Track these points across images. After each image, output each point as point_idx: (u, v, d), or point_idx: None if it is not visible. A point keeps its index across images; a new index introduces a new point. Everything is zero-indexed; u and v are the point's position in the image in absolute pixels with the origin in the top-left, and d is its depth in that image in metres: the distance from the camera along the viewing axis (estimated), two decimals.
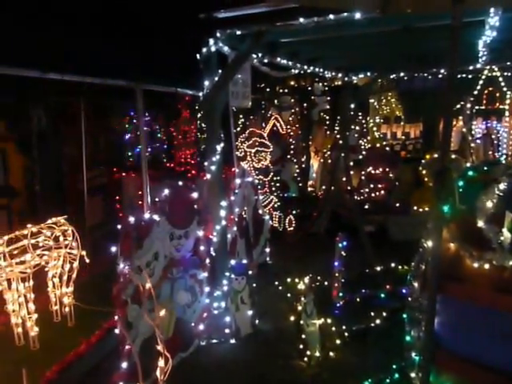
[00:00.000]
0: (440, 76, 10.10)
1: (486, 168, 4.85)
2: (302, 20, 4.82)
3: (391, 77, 10.89)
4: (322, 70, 8.76)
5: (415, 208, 9.64)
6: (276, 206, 9.95)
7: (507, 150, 11.33)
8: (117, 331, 4.24)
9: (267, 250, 8.09)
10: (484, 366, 3.38)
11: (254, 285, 5.81)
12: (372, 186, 10.84)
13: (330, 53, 7.47)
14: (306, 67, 7.95)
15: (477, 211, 4.26)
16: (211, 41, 5.54)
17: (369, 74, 9.76)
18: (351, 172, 9.46)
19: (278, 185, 10.50)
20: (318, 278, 6.96)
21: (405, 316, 4.51)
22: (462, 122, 11.61)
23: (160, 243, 4.73)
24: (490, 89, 11.35)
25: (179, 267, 5.07)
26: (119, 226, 4.43)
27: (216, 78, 5.65)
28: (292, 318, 5.53)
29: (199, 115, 13.41)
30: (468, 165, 9.42)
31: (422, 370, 3.67)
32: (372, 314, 5.78)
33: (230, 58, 5.87)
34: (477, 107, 11.58)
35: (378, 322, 5.65)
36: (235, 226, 6.82)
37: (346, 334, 5.43)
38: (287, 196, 11.30)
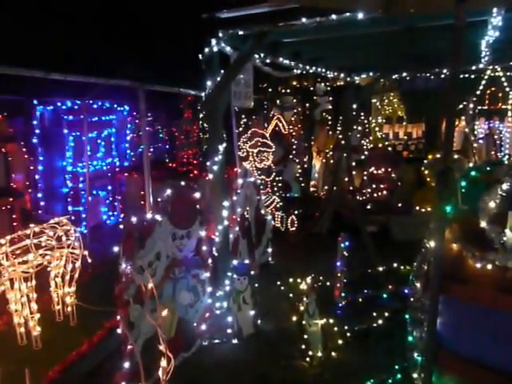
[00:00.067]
0: (442, 76, 10.08)
1: (488, 168, 4.85)
2: (304, 20, 4.82)
3: (393, 77, 10.88)
4: (324, 70, 8.75)
5: (417, 208, 9.62)
6: (278, 206, 9.95)
7: (510, 150, 11.33)
8: (119, 331, 4.24)
9: (269, 250, 8.09)
10: (486, 366, 3.38)
11: (256, 285, 5.81)
12: (374, 186, 10.82)
13: (332, 53, 7.46)
14: (308, 67, 7.94)
15: (479, 211, 4.26)
16: (213, 41, 5.55)
17: (371, 74, 9.76)
18: (353, 172, 9.45)
19: (280, 185, 10.50)
20: (320, 278, 6.96)
21: (407, 316, 4.50)
22: (464, 122, 11.61)
23: (162, 243, 4.74)
24: (493, 89, 11.34)
25: (181, 267, 5.08)
26: (121, 226, 4.44)
27: (218, 78, 5.65)
28: (294, 318, 5.54)
29: (201, 115, 13.44)
30: (470, 165, 9.41)
31: (424, 370, 3.67)
32: (374, 314, 5.78)
33: (232, 58, 5.88)
34: (479, 107, 11.58)
35: (380, 322, 5.65)
36: (237, 226, 6.82)
37: (348, 334, 5.43)
38: (289, 196, 11.30)
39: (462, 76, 9.40)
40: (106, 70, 7.13)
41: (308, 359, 4.95)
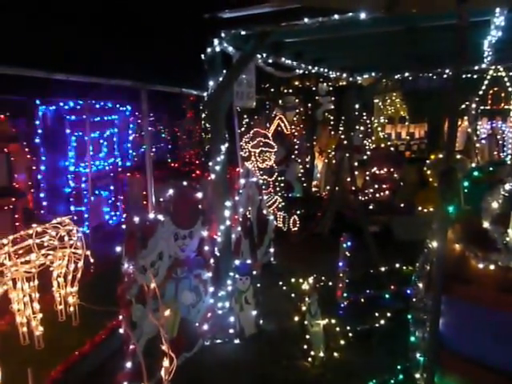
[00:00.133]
0: (445, 76, 10.07)
1: (491, 168, 4.84)
2: (306, 20, 4.81)
3: (396, 77, 10.87)
4: (326, 70, 8.74)
5: (420, 208, 9.61)
6: (280, 206, 9.95)
7: None
8: (121, 331, 4.25)
9: (271, 250, 8.09)
10: (489, 366, 3.37)
11: (259, 285, 5.82)
12: (376, 186, 10.80)
13: (334, 53, 7.46)
14: (310, 67, 7.94)
15: (482, 212, 4.25)
16: (216, 41, 5.55)
17: (373, 74, 9.75)
18: (356, 172, 9.44)
19: (282, 185, 10.50)
20: (323, 278, 6.96)
21: (409, 317, 4.50)
22: (467, 122, 11.58)
23: (165, 243, 4.74)
24: (496, 89, 11.33)
25: (184, 267, 5.08)
26: (124, 226, 4.45)
27: (221, 79, 5.65)
28: (296, 319, 5.53)
29: (203, 115, 13.45)
30: (473, 165, 9.41)
31: (427, 370, 3.66)
32: (376, 314, 5.77)
33: (234, 58, 5.88)
34: (482, 107, 11.56)
35: (382, 322, 5.64)
36: (239, 226, 6.82)
37: (351, 334, 5.43)
38: (291, 196, 11.30)
39: (464, 76, 9.38)
40: (108, 70, 7.14)
41: (310, 359, 4.95)
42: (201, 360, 5.09)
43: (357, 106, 9.51)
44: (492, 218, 4.12)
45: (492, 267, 3.73)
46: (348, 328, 5.50)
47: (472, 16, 3.40)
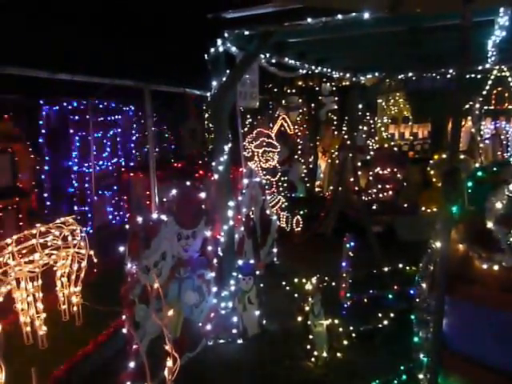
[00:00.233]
0: (448, 76, 10.04)
1: (495, 169, 4.81)
2: (309, 20, 4.81)
3: (399, 77, 10.84)
4: (329, 70, 8.73)
5: (423, 208, 9.59)
6: (283, 206, 9.95)
7: None
8: (124, 331, 4.26)
9: (274, 250, 8.09)
10: (493, 367, 3.36)
11: (262, 285, 5.81)
12: (380, 186, 10.79)
13: (337, 53, 7.45)
14: (313, 67, 7.94)
15: (486, 212, 4.23)
16: (219, 41, 5.55)
17: (377, 74, 9.74)
18: (359, 172, 9.44)
19: (285, 185, 10.50)
20: (326, 278, 6.95)
21: (413, 317, 4.49)
22: (470, 122, 11.56)
23: (168, 243, 4.75)
24: (499, 89, 11.29)
25: (187, 267, 5.08)
26: (127, 226, 4.45)
27: (224, 79, 5.66)
28: (299, 319, 5.52)
29: (207, 115, 13.45)
30: (477, 165, 9.38)
31: (430, 371, 3.65)
32: (379, 314, 5.76)
33: (237, 58, 5.88)
34: (486, 107, 11.53)
35: (385, 322, 5.63)
36: (242, 226, 6.82)
37: (354, 334, 5.42)
38: (295, 196, 11.30)
39: (468, 76, 9.36)
40: (111, 70, 7.15)
41: (313, 359, 4.94)
42: (204, 360, 5.09)
43: (360, 106, 9.51)
44: (496, 218, 4.10)
45: (496, 268, 3.72)
46: (351, 328, 5.49)
47: (476, 16, 3.39)
